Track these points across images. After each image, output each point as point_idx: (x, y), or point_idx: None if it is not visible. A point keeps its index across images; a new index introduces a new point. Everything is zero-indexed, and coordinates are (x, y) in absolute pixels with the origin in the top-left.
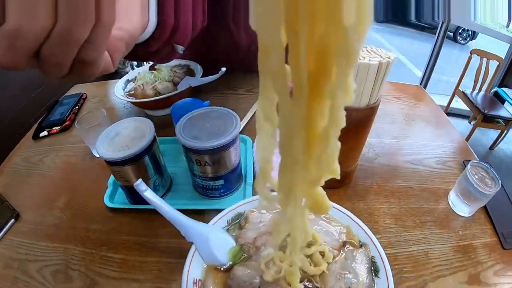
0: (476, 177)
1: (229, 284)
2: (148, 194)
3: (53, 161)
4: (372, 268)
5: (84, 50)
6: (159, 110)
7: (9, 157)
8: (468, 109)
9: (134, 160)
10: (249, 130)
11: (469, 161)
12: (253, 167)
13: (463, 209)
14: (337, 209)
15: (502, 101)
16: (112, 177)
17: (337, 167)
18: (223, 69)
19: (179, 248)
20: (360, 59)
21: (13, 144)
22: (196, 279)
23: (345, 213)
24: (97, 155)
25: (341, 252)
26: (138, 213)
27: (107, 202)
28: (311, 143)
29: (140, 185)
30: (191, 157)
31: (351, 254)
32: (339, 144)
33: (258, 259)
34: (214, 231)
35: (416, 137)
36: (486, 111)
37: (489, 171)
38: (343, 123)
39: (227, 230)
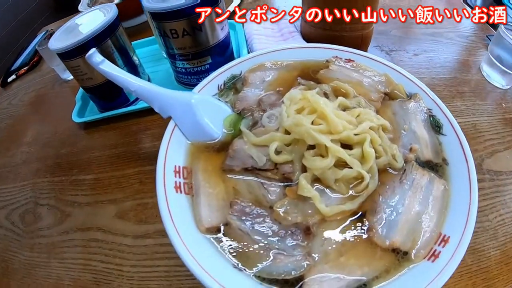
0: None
1: (228, 165)
2: (105, 66)
3: (21, 100)
4: (433, 121)
5: None
6: (132, 20)
7: None
8: None
9: (94, 44)
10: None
11: (493, 35)
12: (247, 45)
13: (499, 79)
14: (366, 57)
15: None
16: (80, 91)
17: None
18: None
19: None
20: None
21: None
22: (179, 166)
23: (378, 61)
24: (66, 78)
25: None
26: (112, 122)
27: (75, 118)
28: None
29: (93, 55)
30: (165, 30)
31: (400, 108)
32: None
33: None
34: (199, 96)
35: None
36: None
37: None
38: None
39: (218, 98)
